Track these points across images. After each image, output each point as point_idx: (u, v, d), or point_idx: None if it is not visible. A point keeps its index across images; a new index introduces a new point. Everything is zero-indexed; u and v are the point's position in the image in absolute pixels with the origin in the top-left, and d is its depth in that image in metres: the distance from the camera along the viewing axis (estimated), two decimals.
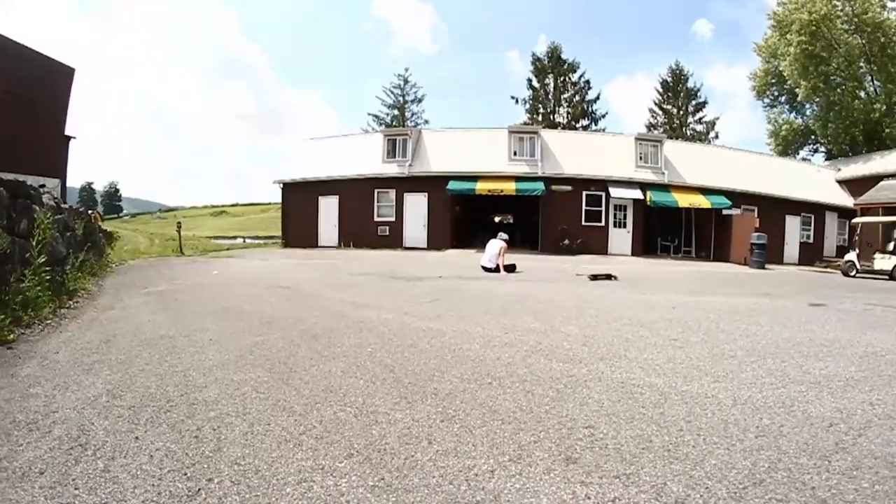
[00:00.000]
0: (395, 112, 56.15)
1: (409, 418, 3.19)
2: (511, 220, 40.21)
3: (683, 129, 50.95)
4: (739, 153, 30.52)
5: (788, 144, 40.00)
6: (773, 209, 26.25)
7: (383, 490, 2.37)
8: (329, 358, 4.59)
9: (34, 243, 6.24)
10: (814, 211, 27.74)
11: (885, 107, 33.15)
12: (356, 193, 26.49)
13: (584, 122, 52.25)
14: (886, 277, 17.14)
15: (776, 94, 41.38)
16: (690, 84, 52.06)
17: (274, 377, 4.03)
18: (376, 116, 55.90)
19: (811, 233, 27.88)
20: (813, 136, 39.62)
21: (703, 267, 20.06)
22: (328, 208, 27.08)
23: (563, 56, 52.09)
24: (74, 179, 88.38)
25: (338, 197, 26.90)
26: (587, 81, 52.41)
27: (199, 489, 2.39)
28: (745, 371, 4.14)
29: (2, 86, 19.07)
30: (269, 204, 63.40)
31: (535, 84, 52.93)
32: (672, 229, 27.70)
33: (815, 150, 41.62)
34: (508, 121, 71.86)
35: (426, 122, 56.63)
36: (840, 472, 2.51)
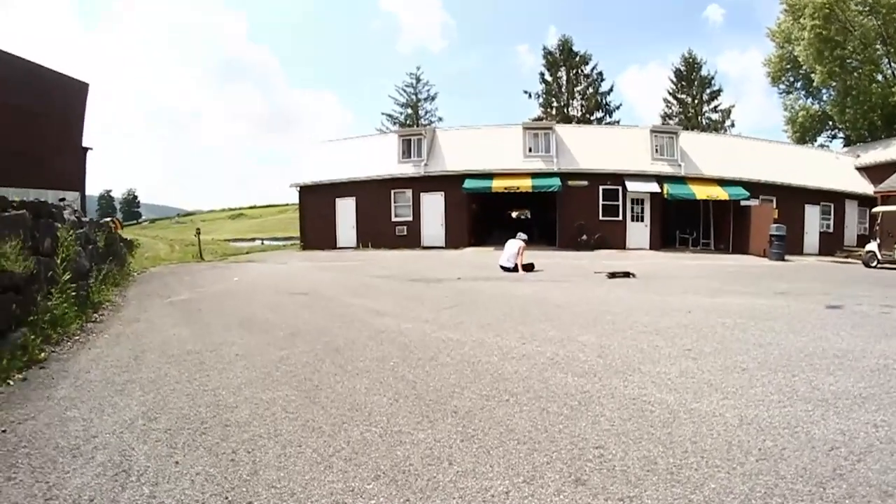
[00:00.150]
0: (409, 111, 56.22)
1: (430, 438, 3.31)
2: (528, 216, 40.17)
3: (699, 118, 50.36)
4: (756, 142, 30.09)
5: (806, 131, 39.30)
6: (791, 199, 25.85)
7: None
8: (353, 374, 4.71)
9: (58, 261, 6.43)
10: (833, 200, 27.23)
11: None
12: (373, 194, 26.60)
13: (599, 115, 51.88)
14: None
15: (791, 79, 40.63)
16: (704, 72, 51.36)
17: (301, 395, 4.15)
18: (390, 116, 56.08)
19: (831, 222, 27.37)
20: (830, 122, 38.88)
21: (721, 260, 19.88)
22: (345, 210, 27.23)
23: (575, 48, 51.75)
24: (93, 188, 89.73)
25: (355, 198, 27.02)
26: (600, 73, 52.04)
27: None
28: (755, 386, 4.15)
29: (20, 104, 19.51)
30: (287, 205, 63.82)
31: (548, 77, 52.59)
32: (690, 221, 27.40)
33: (834, 137, 40.89)
34: (522, 115, 71.58)
35: (440, 119, 56.77)
36: (833, 500, 2.54)
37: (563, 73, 52.19)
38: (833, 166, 28.89)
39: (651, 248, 25.05)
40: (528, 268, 14.25)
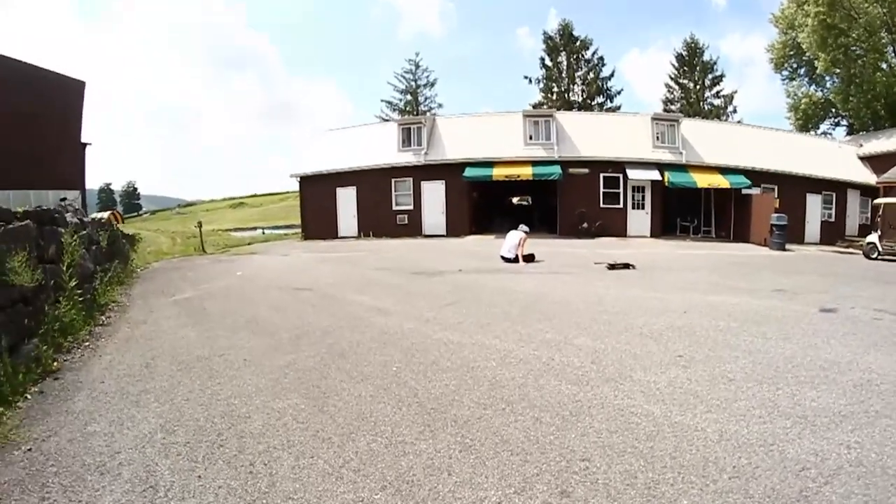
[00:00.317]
0: (409, 97, 55.98)
1: (432, 448, 3.50)
2: (529, 202, 40.20)
3: (700, 103, 50.16)
4: (758, 130, 29.98)
5: (808, 118, 39.15)
6: (793, 187, 25.83)
7: None
8: (358, 380, 4.86)
9: (64, 267, 6.47)
10: (835, 189, 27.15)
11: None
12: (373, 183, 26.62)
13: (600, 100, 51.67)
14: None
15: (795, 66, 40.37)
16: (706, 57, 51.00)
17: (310, 404, 4.30)
18: (389, 102, 55.86)
19: (833, 211, 27.31)
20: (833, 110, 38.72)
21: (721, 250, 19.92)
22: (346, 199, 27.27)
23: (575, 33, 51.44)
24: (93, 182, 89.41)
25: (355, 187, 27.05)
26: (601, 58, 51.78)
27: None
28: (739, 399, 4.23)
29: (18, 106, 19.63)
30: (287, 193, 63.62)
31: (549, 63, 52.33)
32: (691, 209, 27.39)
33: (837, 124, 40.78)
34: (522, 100, 71.18)
35: (440, 105, 56.59)
36: None
37: (563, 59, 51.97)
38: (835, 155, 28.80)
39: (652, 236, 25.14)
40: (529, 258, 14.34)
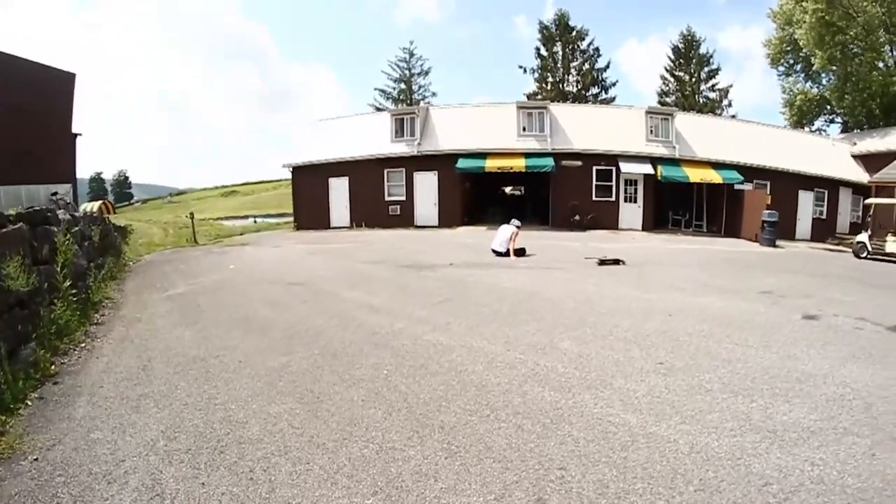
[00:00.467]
0: (402, 86, 55.60)
1: (420, 455, 3.64)
2: (522, 192, 40.28)
3: (696, 96, 50.19)
4: (752, 126, 30.01)
5: (803, 115, 39.20)
6: (785, 184, 25.98)
7: None
8: (350, 383, 4.97)
9: (58, 267, 6.48)
10: (827, 186, 27.30)
11: None
12: (366, 174, 26.61)
13: (594, 91, 51.64)
14: None
15: (791, 61, 40.31)
16: (703, 50, 50.92)
17: (304, 409, 4.43)
18: (383, 91, 55.43)
19: (824, 209, 27.46)
20: (829, 107, 38.76)
21: (712, 245, 20.07)
22: (339, 189, 27.24)
23: (571, 23, 51.25)
24: (84, 171, 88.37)
25: (348, 178, 27.02)
26: (596, 49, 51.65)
27: None
28: (713, 411, 4.31)
29: (7, 100, 19.47)
30: (280, 181, 63.23)
31: (544, 52, 52.10)
32: (684, 203, 27.57)
33: (831, 121, 40.87)
34: (517, 89, 71.01)
35: (434, 94, 56.29)
36: None
37: (558, 49, 51.79)
38: (829, 153, 28.92)
39: (643, 230, 25.29)
40: (520, 252, 14.44)
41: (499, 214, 28.68)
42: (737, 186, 25.00)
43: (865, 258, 17.98)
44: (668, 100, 50.79)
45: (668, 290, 9.67)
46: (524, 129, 26.42)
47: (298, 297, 9.08)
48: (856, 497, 3.08)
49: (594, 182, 25.83)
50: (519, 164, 24.96)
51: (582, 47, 51.63)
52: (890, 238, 17.76)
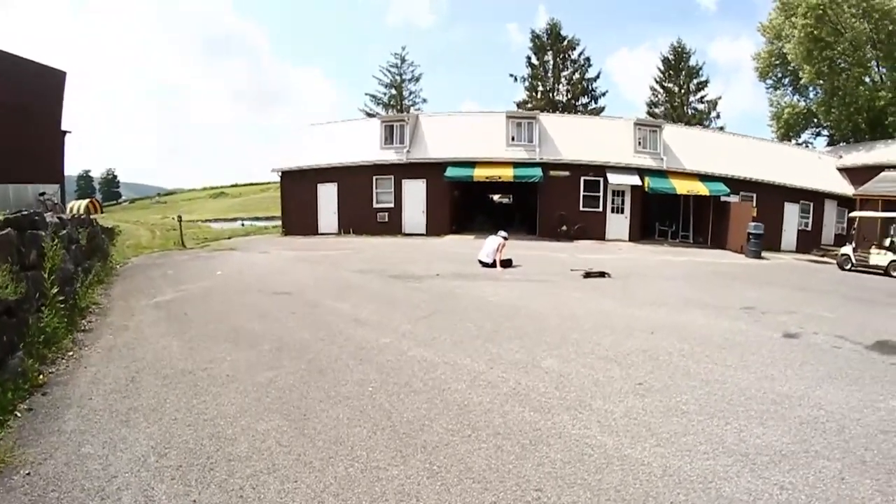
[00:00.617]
0: (393, 91, 55.74)
1: (403, 475, 3.74)
2: (510, 200, 40.49)
3: (685, 108, 50.72)
4: (739, 138, 30.40)
5: (790, 128, 39.62)
6: (771, 196, 26.33)
7: None
8: (336, 401, 5.05)
9: (46, 273, 6.45)
10: (813, 199, 27.66)
11: (890, 95, 32.65)
12: (355, 180, 26.63)
13: (584, 101, 52.05)
14: (882, 273, 17.15)
15: (779, 75, 40.70)
16: (692, 62, 51.55)
17: (291, 426, 4.49)
18: (374, 96, 55.56)
19: (810, 220, 27.81)
20: (815, 120, 39.21)
21: (698, 256, 20.29)
22: (327, 195, 27.23)
23: (563, 33, 51.64)
24: (72, 169, 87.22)
25: (336, 184, 27.02)
26: (587, 59, 52.04)
27: None
28: (688, 433, 4.40)
29: None
30: (269, 183, 62.99)
31: (535, 61, 52.46)
32: (670, 214, 27.82)
33: (818, 134, 41.36)
34: (507, 96, 71.37)
35: (424, 100, 56.55)
36: None
37: (549, 58, 52.17)
38: (815, 166, 29.32)
39: (630, 240, 25.49)
40: (506, 264, 14.54)
41: (486, 223, 28.80)
42: (723, 198, 25.28)
43: (850, 270, 18.24)
44: (657, 111, 51.31)
45: (652, 305, 9.82)
46: (513, 139, 26.59)
47: (286, 307, 9.12)
48: None
49: (582, 192, 26.03)
50: (507, 173, 25.10)
51: (573, 57, 52.06)
52: (874, 250, 18.03)
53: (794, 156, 30.53)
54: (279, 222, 29.72)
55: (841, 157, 30.33)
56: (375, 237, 24.75)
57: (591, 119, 37.62)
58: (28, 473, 3.65)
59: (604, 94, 52.63)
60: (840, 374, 5.93)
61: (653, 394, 5.27)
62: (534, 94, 51.95)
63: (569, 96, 52.02)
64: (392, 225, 26.41)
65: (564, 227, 25.13)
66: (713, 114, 50.74)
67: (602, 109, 51.09)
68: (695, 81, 51.33)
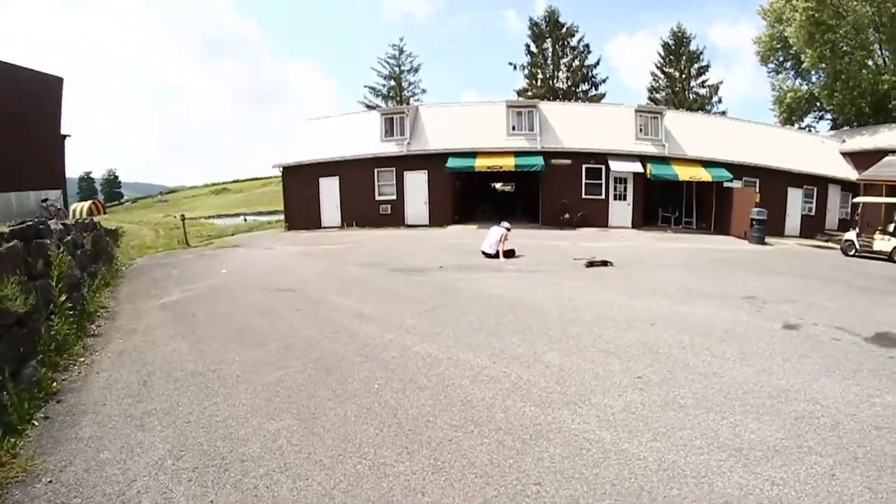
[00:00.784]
0: (392, 83, 55.51)
1: (408, 470, 3.88)
2: (512, 189, 40.47)
3: (686, 93, 50.39)
4: (741, 123, 30.25)
5: (793, 112, 39.34)
6: (774, 181, 26.20)
7: None
8: (343, 399, 5.17)
9: (53, 282, 6.52)
10: (816, 183, 27.49)
11: (894, 78, 32.33)
12: (356, 173, 26.68)
13: (585, 87, 51.72)
14: (885, 258, 17.05)
15: (781, 59, 40.38)
16: (693, 47, 51.14)
17: (301, 425, 4.62)
18: (373, 88, 55.28)
19: (813, 205, 27.66)
20: (818, 104, 38.85)
21: (701, 243, 20.22)
22: (329, 189, 27.33)
23: (561, 20, 51.28)
24: (73, 171, 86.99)
25: (338, 178, 27.10)
26: (587, 45, 51.66)
27: None
28: (685, 428, 4.46)
29: None
30: (270, 178, 62.86)
31: (534, 49, 52.12)
32: (673, 200, 27.79)
33: (821, 118, 41.06)
34: (507, 85, 71.05)
35: (423, 91, 56.28)
36: None
37: (548, 45, 51.81)
38: (818, 150, 29.11)
39: (633, 227, 25.50)
40: (509, 254, 14.63)
41: (489, 212, 28.80)
42: (726, 184, 25.18)
43: (853, 256, 18.08)
44: (658, 96, 51.05)
45: (653, 295, 9.85)
46: (514, 128, 26.57)
47: (291, 304, 9.22)
48: None
49: (584, 180, 26.02)
50: (508, 163, 25.08)
51: (572, 44, 51.67)
52: (878, 236, 17.90)
53: (797, 140, 30.31)
54: (282, 216, 29.80)
55: (844, 141, 30.12)
56: (378, 229, 24.84)
57: (592, 106, 37.51)
58: (50, 481, 3.75)
59: (604, 81, 52.24)
60: (838, 368, 5.91)
61: (651, 388, 5.34)
62: (534, 81, 51.71)
63: (569, 83, 51.71)
64: (395, 217, 26.50)
65: (567, 216, 25.17)
66: (715, 98, 50.40)
67: (603, 96, 50.92)
68: (696, 66, 50.94)
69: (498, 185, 43.08)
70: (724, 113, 45.96)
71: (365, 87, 56.25)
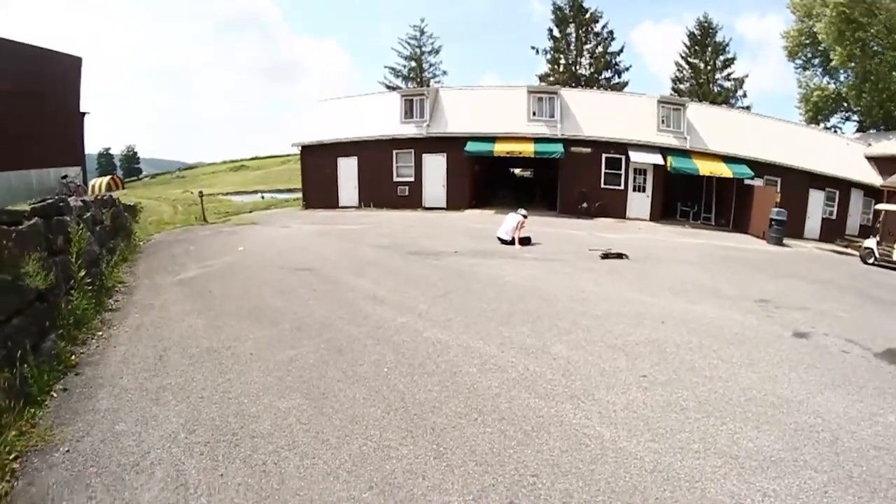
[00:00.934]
0: (413, 64, 55.16)
1: (412, 454, 4.01)
2: (531, 174, 40.28)
3: (710, 85, 49.55)
4: (765, 120, 29.52)
5: (819, 111, 38.28)
6: (796, 181, 25.67)
7: None
8: (353, 380, 5.30)
9: (73, 258, 6.68)
10: (839, 186, 26.82)
11: None
12: (375, 154, 26.74)
13: (607, 75, 50.98)
14: None
15: (809, 55, 39.19)
16: (719, 38, 50.13)
17: (311, 405, 4.76)
18: (393, 69, 54.95)
19: (834, 209, 27.00)
20: (845, 105, 37.79)
21: (718, 240, 19.99)
22: (347, 169, 27.40)
23: (585, 5, 50.43)
24: (92, 147, 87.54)
25: (356, 158, 27.15)
26: (610, 32, 50.78)
27: None
28: (684, 431, 4.48)
29: (18, 87, 19.65)
30: (289, 156, 62.99)
31: (557, 34, 51.35)
32: (693, 195, 27.41)
33: (847, 119, 39.93)
34: (529, 69, 70.53)
35: (444, 73, 55.96)
36: None
37: (572, 30, 51.04)
38: (842, 152, 28.32)
39: (651, 220, 25.27)
40: (525, 241, 14.68)
41: (508, 197, 28.71)
42: (746, 181, 24.80)
43: (872, 265, 17.64)
44: (682, 87, 50.26)
45: (666, 292, 9.81)
46: (534, 114, 26.36)
47: (307, 284, 9.36)
48: None
49: (603, 170, 25.77)
50: (528, 149, 24.94)
51: (596, 30, 50.88)
52: None
53: (822, 140, 29.54)
54: (300, 195, 29.93)
55: (870, 144, 29.25)
56: (395, 211, 24.92)
57: (614, 95, 37.03)
58: (67, 450, 3.92)
59: (628, 69, 51.45)
60: (844, 382, 5.80)
61: (655, 387, 5.37)
62: (556, 66, 51.14)
63: (592, 70, 51.05)
64: (412, 199, 26.52)
65: (585, 205, 25.05)
66: (740, 92, 49.44)
67: (626, 84, 50.19)
68: (721, 58, 49.99)
69: (517, 171, 42.88)
70: (748, 107, 45.15)
71: (385, 67, 56.01)
